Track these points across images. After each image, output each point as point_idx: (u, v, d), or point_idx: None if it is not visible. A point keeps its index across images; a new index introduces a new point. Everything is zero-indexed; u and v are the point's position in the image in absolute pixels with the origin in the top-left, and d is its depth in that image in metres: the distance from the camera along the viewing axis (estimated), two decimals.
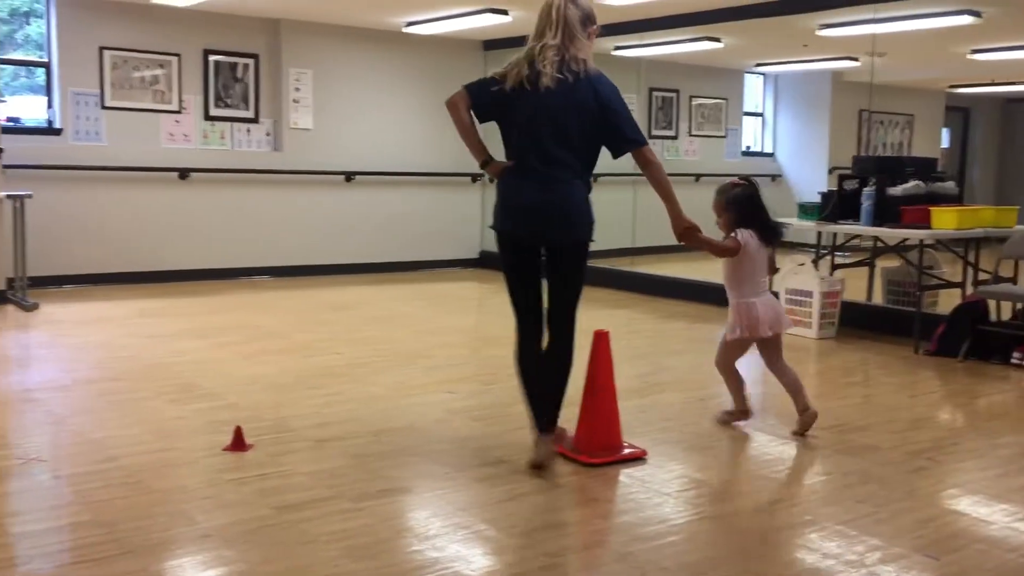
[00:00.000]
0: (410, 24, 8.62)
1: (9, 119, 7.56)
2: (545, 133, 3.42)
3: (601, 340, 3.69)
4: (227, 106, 8.42)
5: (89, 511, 3.07)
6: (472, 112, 3.47)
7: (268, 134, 8.67)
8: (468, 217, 9.88)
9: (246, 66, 8.47)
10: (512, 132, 3.49)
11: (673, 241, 3.63)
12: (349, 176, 9.04)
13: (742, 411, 4.19)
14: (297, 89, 8.68)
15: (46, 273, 7.50)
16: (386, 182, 9.30)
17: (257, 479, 3.40)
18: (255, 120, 8.58)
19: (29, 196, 7.02)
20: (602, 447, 3.66)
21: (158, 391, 4.59)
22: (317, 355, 5.52)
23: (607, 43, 9.16)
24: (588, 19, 3.48)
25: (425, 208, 9.56)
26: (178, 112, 8.18)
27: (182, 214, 8.25)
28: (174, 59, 8.10)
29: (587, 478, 3.51)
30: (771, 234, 4.04)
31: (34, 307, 6.77)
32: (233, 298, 7.63)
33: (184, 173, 8.19)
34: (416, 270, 9.47)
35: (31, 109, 7.93)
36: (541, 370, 3.61)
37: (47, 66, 7.76)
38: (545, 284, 3.59)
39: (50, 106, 7.78)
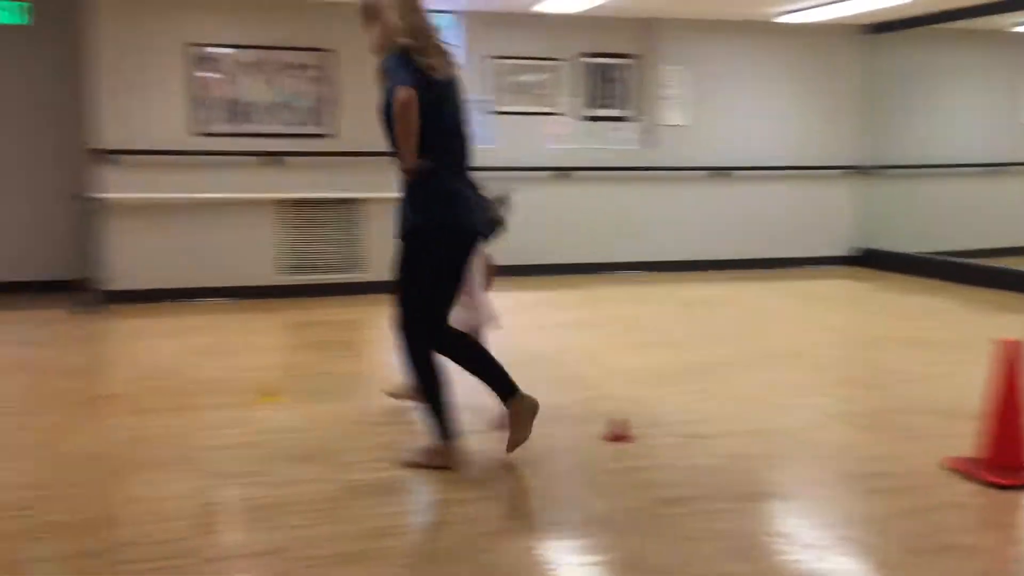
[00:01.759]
0: (784, 13, 8.38)
1: None
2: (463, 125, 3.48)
3: (1011, 351, 3.36)
4: (603, 106, 8.75)
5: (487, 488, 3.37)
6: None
7: (642, 132, 8.88)
8: (838, 212, 9.41)
9: (621, 67, 8.74)
10: (437, 126, 3.33)
11: None
12: (720, 171, 9.01)
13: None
14: (670, 86, 8.80)
15: None
16: (755, 177, 9.13)
17: (637, 471, 3.53)
18: (629, 119, 8.83)
19: None
20: (1012, 468, 3.34)
21: (546, 379, 4.91)
22: (689, 351, 5.58)
23: (1005, 19, 8.27)
24: None
25: (794, 203, 9.25)
26: (558, 114, 8.65)
27: (562, 211, 8.71)
28: (555, 64, 8.58)
29: (992, 500, 3.22)
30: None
31: None
32: (609, 292, 7.93)
33: (563, 172, 8.65)
34: (784, 267, 9.19)
35: None
36: (473, 344, 3.62)
37: None
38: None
39: None
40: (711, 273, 8.82)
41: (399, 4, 3.37)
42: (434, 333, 3.52)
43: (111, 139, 6.99)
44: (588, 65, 8.68)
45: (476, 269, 3.99)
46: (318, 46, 7.44)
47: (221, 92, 7.26)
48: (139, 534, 2.92)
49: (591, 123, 8.76)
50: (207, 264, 7.30)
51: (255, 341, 5.99)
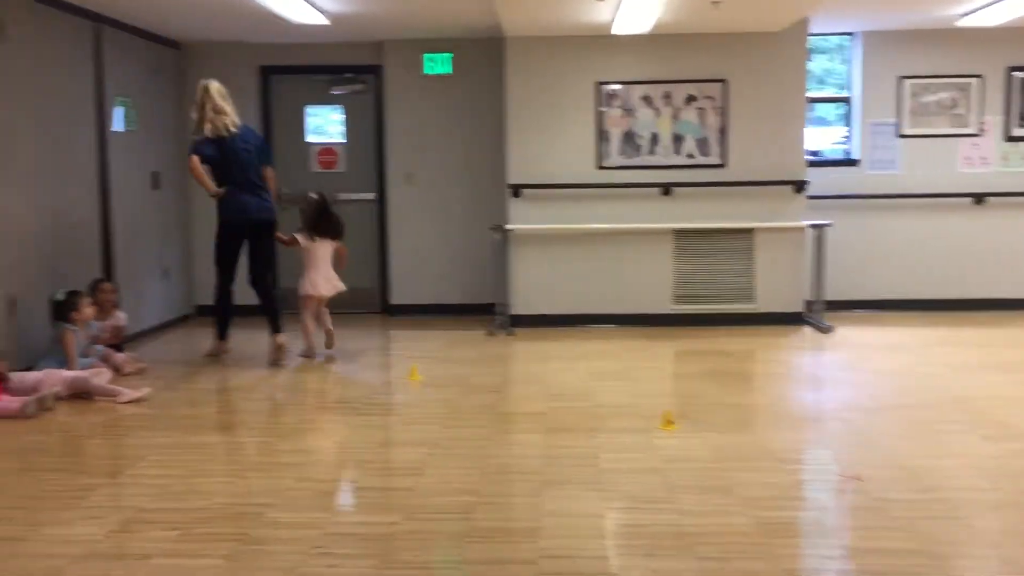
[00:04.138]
0: None
1: (810, 152, 8.16)
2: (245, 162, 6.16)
3: None
4: None
5: (914, 539, 3.11)
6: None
7: None
8: None
9: None
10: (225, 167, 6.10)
11: None
12: None
13: (310, 350, 6.36)
14: None
15: (839, 297, 7.90)
16: None
17: None
18: None
19: (828, 225, 7.49)
20: None
21: (968, 425, 4.48)
22: None
23: None
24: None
25: None
26: (976, 135, 7.90)
27: (977, 240, 7.94)
28: (974, 80, 7.85)
29: None
30: (333, 232, 6.36)
31: (829, 330, 7.18)
32: None
33: (980, 198, 7.88)
34: None
35: (825, 141, 8.46)
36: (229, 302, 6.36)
37: (847, 100, 8.20)
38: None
39: (848, 138, 8.20)
40: None
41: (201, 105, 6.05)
42: (222, 281, 6.26)
43: (520, 174, 7.55)
44: (1016, 80, 7.85)
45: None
46: (711, 77, 7.47)
47: (622, 127, 7.55)
48: (562, 547, 3.08)
49: (1017, 143, 7.90)
50: (604, 292, 7.59)
51: (654, 368, 6.11)
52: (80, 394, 5.21)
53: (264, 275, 6.24)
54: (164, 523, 3.30)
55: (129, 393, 5.16)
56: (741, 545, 3.09)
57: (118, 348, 6.09)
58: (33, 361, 5.52)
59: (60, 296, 5.61)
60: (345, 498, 3.71)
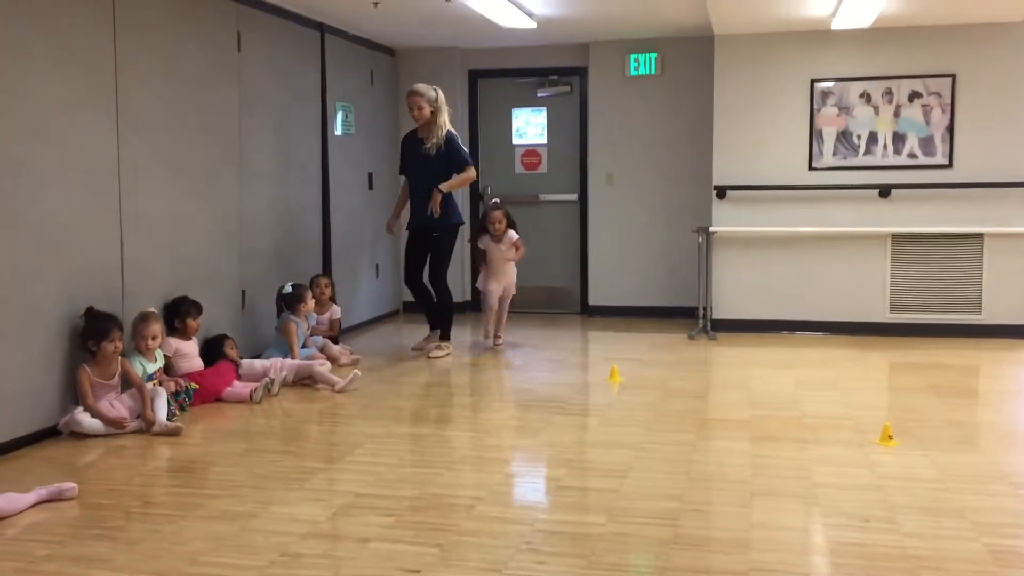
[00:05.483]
0: None
1: None
2: None
3: None
4: None
5: None
6: None
7: None
8: None
9: None
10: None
11: None
12: None
13: (496, 335, 6.91)
14: None
15: None
16: None
17: None
18: None
19: None
20: None
21: None
22: None
23: None
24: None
25: None
26: None
27: None
28: None
29: None
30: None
31: None
32: None
33: None
34: None
35: None
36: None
37: None
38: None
39: None
40: None
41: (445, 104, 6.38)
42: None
43: (726, 175, 7.36)
44: None
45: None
46: (939, 72, 7.01)
47: (837, 126, 7.20)
48: (773, 561, 2.96)
49: None
50: (812, 298, 7.29)
51: (868, 379, 5.81)
52: (303, 380, 5.53)
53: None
54: (380, 509, 3.44)
55: (342, 381, 5.43)
56: (971, 573, 2.87)
57: (334, 340, 6.42)
58: (259, 350, 5.91)
59: (288, 289, 5.99)
60: (551, 496, 3.74)
